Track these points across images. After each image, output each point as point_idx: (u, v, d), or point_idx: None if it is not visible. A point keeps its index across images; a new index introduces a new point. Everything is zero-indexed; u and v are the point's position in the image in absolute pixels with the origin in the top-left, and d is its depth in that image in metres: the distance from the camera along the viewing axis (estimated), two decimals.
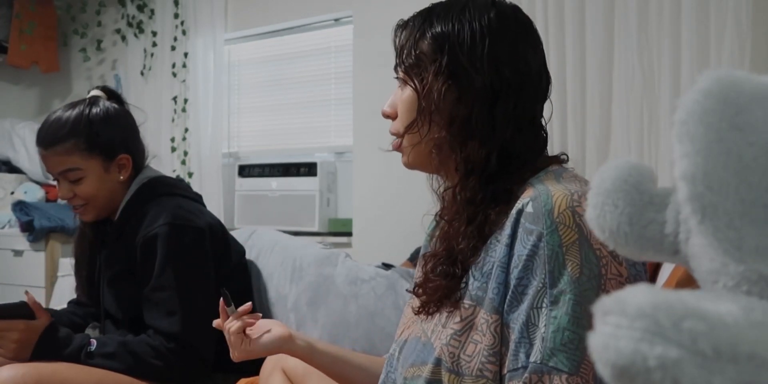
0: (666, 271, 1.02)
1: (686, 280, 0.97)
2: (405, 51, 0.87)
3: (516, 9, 0.88)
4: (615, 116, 2.23)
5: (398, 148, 0.92)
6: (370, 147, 2.87)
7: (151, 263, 1.42)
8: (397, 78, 0.91)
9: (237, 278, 1.62)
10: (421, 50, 0.85)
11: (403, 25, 0.90)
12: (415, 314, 0.89)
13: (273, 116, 3.38)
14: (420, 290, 0.88)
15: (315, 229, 2.98)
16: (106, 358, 1.37)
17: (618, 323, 0.33)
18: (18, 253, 3.27)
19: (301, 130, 3.28)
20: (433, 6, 0.88)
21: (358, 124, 2.94)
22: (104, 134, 1.48)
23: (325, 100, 3.21)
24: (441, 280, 0.84)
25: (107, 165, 1.48)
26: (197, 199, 1.60)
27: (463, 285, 0.82)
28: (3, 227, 3.45)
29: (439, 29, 0.84)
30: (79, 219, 1.57)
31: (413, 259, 2.37)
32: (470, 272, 0.82)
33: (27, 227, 3.21)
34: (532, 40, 0.87)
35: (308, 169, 3.02)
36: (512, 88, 0.82)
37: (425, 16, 0.87)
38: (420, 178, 0.98)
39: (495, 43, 0.82)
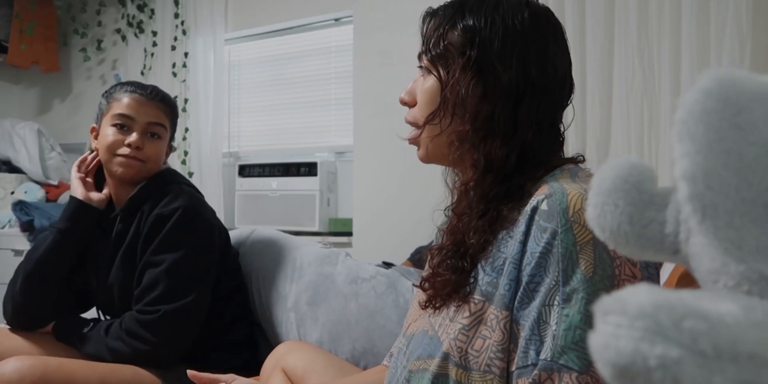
0: (666, 271, 1.02)
1: (687, 280, 0.97)
2: (432, 40, 0.86)
3: (548, 11, 0.87)
4: (615, 116, 2.23)
5: (415, 139, 0.90)
6: (370, 147, 2.88)
7: (155, 239, 1.44)
8: (420, 67, 0.90)
9: (230, 278, 1.64)
10: (450, 41, 0.84)
11: (432, 13, 0.89)
12: (422, 309, 0.88)
13: (273, 116, 3.38)
14: (427, 284, 0.87)
15: (315, 228, 2.98)
16: (86, 341, 1.46)
17: (618, 323, 0.33)
18: (18, 253, 3.27)
19: (301, 130, 3.28)
20: None
21: (358, 124, 2.94)
22: (177, 120, 1.63)
23: (325, 100, 3.21)
24: (449, 274, 0.83)
25: (167, 144, 1.59)
26: (203, 197, 1.63)
27: (471, 280, 0.82)
28: (3, 227, 3.45)
29: (471, 22, 0.83)
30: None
31: (414, 258, 2.37)
32: (480, 266, 0.81)
33: (27, 227, 3.21)
34: (562, 44, 0.87)
35: (308, 169, 3.02)
36: (537, 89, 0.82)
37: (457, 7, 0.86)
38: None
39: (526, 43, 0.82)
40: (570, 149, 0.90)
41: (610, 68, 2.24)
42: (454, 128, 0.84)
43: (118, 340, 1.40)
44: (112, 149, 1.50)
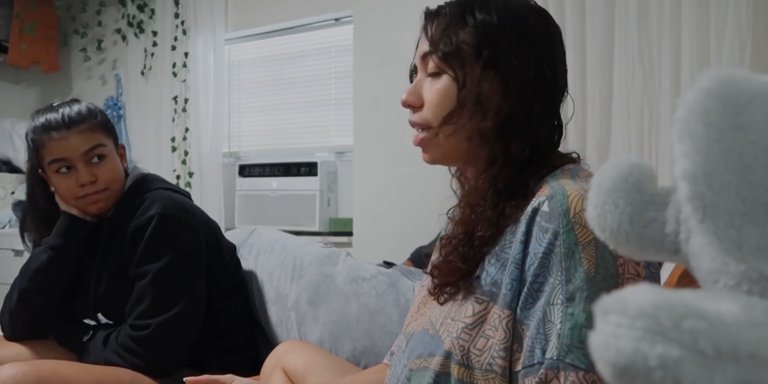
0: (666, 271, 1.02)
1: (687, 280, 0.97)
2: (443, 40, 0.85)
3: (548, 14, 0.90)
4: (615, 116, 2.23)
5: (423, 141, 0.88)
6: (370, 147, 2.88)
7: (136, 251, 1.43)
8: (417, 67, 0.90)
9: (230, 274, 1.62)
10: (463, 40, 0.84)
11: (435, 13, 0.88)
12: (431, 295, 0.88)
13: (273, 116, 3.38)
14: (437, 272, 0.87)
15: (315, 228, 2.98)
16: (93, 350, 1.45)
17: (619, 322, 0.33)
18: (18, 253, 3.27)
19: (301, 129, 3.29)
20: None
21: (358, 124, 2.94)
22: (110, 121, 1.54)
23: (326, 100, 3.21)
24: (459, 262, 0.83)
25: (116, 150, 1.52)
26: (187, 195, 1.61)
27: (478, 272, 0.82)
28: (3, 227, 3.45)
29: (483, 21, 0.84)
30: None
31: (414, 258, 2.37)
32: (486, 260, 0.82)
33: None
34: (562, 46, 0.90)
35: (309, 169, 3.02)
36: (549, 87, 0.85)
37: (464, 6, 0.85)
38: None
39: (538, 42, 0.84)
40: (570, 149, 0.90)
41: (610, 68, 2.24)
42: (473, 127, 0.83)
43: (114, 354, 1.40)
44: (72, 196, 1.46)
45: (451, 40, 0.84)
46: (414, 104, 0.89)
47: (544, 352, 0.72)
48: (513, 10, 0.85)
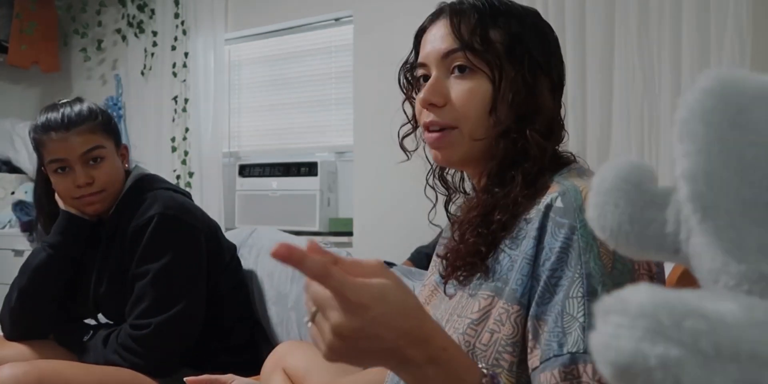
0: (666, 270, 1.03)
1: (687, 279, 0.97)
2: (474, 37, 0.83)
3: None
4: (615, 116, 2.23)
5: (443, 140, 0.85)
6: (370, 146, 2.88)
7: (137, 251, 1.43)
8: (409, 67, 0.91)
9: (230, 274, 1.62)
10: (496, 40, 0.83)
11: (458, 12, 0.85)
12: (443, 277, 0.88)
13: (273, 116, 3.38)
14: (453, 254, 0.86)
15: (316, 228, 2.98)
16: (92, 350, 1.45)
17: (619, 322, 0.33)
18: (18, 253, 3.27)
19: (301, 129, 3.29)
20: None
21: (358, 124, 2.95)
22: (112, 121, 1.54)
23: (326, 100, 3.21)
24: (477, 242, 0.82)
25: (117, 151, 1.52)
26: (187, 195, 1.61)
27: (490, 260, 0.81)
28: (3, 227, 3.45)
29: (511, 21, 0.84)
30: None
31: (414, 258, 2.37)
32: (502, 244, 0.81)
33: (27, 227, 3.21)
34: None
35: (309, 169, 3.02)
36: (561, 88, 0.89)
37: (486, 5, 0.85)
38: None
39: (553, 46, 0.88)
40: (570, 149, 0.90)
41: (610, 68, 2.24)
42: (506, 125, 0.83)
43: (114, 353, 1.41)
44: (68, 196, 1.47)
45: (485, 38, 0.83)
46: (438, 104, 0.85)
47: (560, 346, 0.71)
48: (530, 15, 0.87)
